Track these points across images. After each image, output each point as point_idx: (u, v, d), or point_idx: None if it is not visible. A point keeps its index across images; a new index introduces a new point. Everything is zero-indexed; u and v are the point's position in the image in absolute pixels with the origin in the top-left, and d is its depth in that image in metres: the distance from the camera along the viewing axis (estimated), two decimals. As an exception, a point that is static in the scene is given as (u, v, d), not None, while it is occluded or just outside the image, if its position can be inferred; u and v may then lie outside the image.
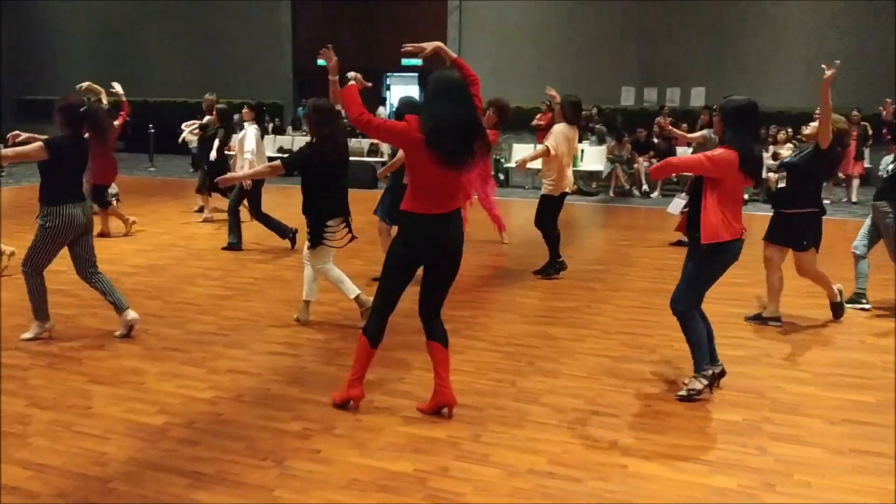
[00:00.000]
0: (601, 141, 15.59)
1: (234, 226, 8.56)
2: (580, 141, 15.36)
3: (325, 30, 21.35)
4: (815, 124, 5.78)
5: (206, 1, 21.93)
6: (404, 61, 21.32)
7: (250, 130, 8.70)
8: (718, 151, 4.32)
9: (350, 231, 5.81)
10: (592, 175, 15.41)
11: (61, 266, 5.61)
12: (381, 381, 4.67)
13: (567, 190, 7.51)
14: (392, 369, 4.88)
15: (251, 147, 8.55)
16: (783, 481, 3.52)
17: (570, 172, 7.54)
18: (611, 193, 14.77)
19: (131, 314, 5.43)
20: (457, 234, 4.03)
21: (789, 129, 14.38)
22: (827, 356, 5.34)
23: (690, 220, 4.48)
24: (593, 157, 15.45)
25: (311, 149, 5.71)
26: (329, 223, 5.67)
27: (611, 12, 18.82)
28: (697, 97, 18.19)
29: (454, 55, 4.18)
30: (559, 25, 19.36)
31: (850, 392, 4.64)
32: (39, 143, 5.11)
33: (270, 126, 19.28)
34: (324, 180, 5.67)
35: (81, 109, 5.18)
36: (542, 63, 19.43)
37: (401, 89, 24.06)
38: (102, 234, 8.86)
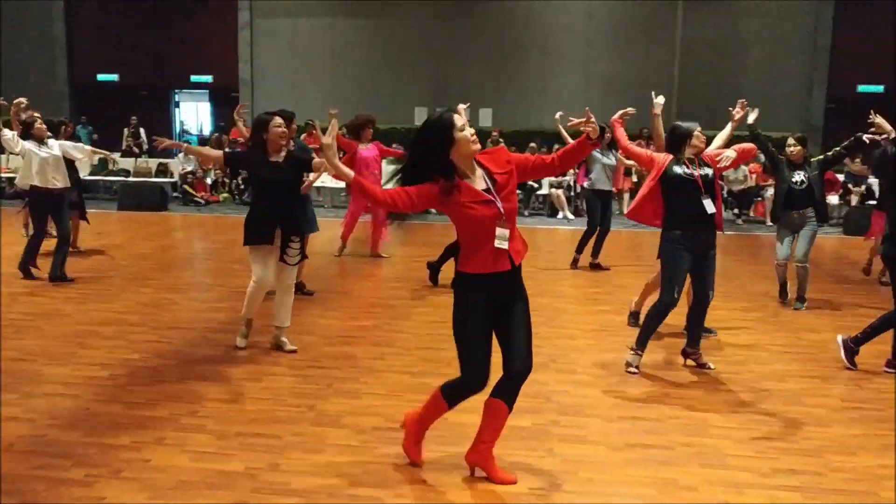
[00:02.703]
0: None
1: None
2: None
3: (107, 44, 20.13)
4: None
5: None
6: (193, 77, 20.59)
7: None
8: None
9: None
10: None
11: None
12: (172, 416, 4.44)
13: None
14: (183, 403, 4.65)
15: None
16: (570, 480, 3.76)
17: None
18: (408, 211, 15.09)
19: None
20: None
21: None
22: (602, 357, 5.75)
23: None
24: (385, 176, 15.69)
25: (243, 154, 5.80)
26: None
27: (403, 34, 19.33)
28: (485, 118, 19.09)
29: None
30: (353, 45, 19.58)
31: (624, 390, 5.06)
32: None
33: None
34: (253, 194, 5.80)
35: None
36: (338, 82, 19.54)
37: (191, 106, 23.17)
38: None
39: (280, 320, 5.75)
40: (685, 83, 18.78)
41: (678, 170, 5.29)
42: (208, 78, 20.64)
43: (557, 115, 7.93)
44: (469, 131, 3.42)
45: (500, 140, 16.62)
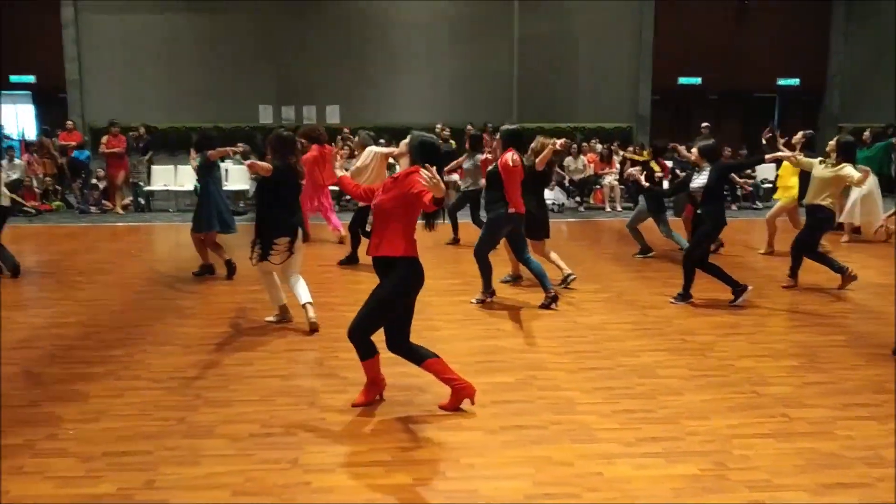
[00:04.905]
0: (245, 159, 15.46)
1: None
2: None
3: None
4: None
5: None
6: (13, 77, 19.04)
7: None
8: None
9: (290, 249, 6.25)
10: (238, 194, 15.25)
11: None
12: (30, 442, 4.15)
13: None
14: (41, 426, 4.36)
15: None
16: (452, 467, 3.86)
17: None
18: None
19: None
20: None
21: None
22: (468, 346, 5.93)
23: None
24: (238, 176, 15.29)
25: (288, 169, 6.22)
26: (276, 241, 6.14)
27: (243, 29, 18.81)
28: (332, 115, 18.96)
29: None
30: (190, 42, 18.84)
31: (492, 376, 5.23)
32: None
33: None
34: (279, 203, 6.13)
35: None
36: (176, 81, 18.75)
37: (10, 109, 21.40)
38: None
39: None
40: (524, 78, 19.49)
41: None
42: (30, 78, 19.16)
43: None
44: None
45: (350, 136, 16.58)
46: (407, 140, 4.56)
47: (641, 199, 9.63)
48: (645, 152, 10.78)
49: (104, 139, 15.17)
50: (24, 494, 3.58)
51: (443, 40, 19.39)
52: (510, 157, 6.87)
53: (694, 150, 7.33)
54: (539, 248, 7.68)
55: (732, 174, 10.15)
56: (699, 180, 7.17)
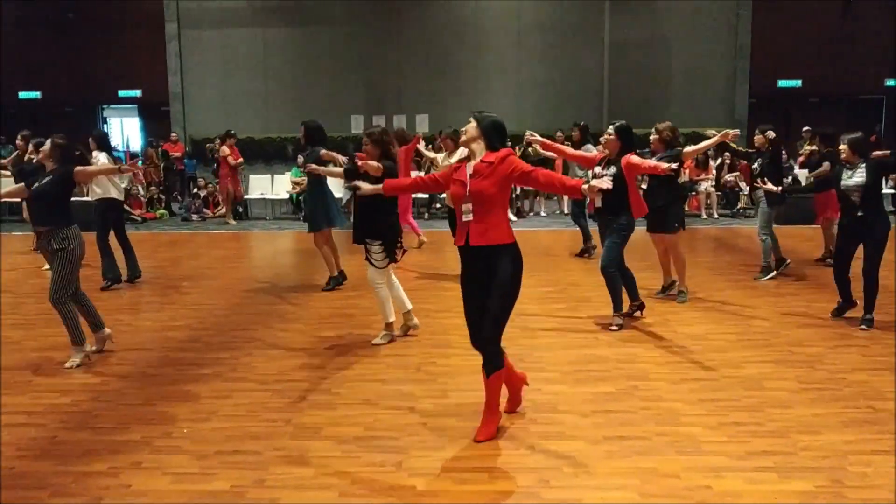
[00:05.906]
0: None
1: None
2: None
3: (35, 61, 19.46)
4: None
5: None
6: (121, 92, 20.08)
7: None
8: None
9: (403, 248, 6.28)
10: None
11: None
12: (146, 439, 4.35)
13: None
14: (155, 425, 4.56)
15: None
16: (556, 476, 3.83)
17: None
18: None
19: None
20: None
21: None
22: (567, 355, 5.88)
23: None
24: (332, 185, 15.59)
25: (394, 169, 6.12)
26: (399, 240, 6.16)
27: (335, 42, 19.27)
28: (422, 123, 19.17)
29: None
30: (284, 53, 19.43)
31: (593, 385, 5.17)
32: None
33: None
34: (388, 202, 6.05)
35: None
36: (271, 92, 19.35)
37: (117, 122, 22.58)
38: None
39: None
40: (615, 84, 19.24)
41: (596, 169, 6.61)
42: (136, 92, 20.18)
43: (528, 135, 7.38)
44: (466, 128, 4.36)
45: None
46: (473, 124, 4.32)
47: (763, 199, 8.63)
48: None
49: (226, 151, 14.71)
50: (145, 489, 3.75)
51: (531, 46, 19.37)
52: (637, 159, 6.39)
53: (843, 145, 6.58)
54: (677, 242, 7.47)
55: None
56: (854, 178, 6.45)
